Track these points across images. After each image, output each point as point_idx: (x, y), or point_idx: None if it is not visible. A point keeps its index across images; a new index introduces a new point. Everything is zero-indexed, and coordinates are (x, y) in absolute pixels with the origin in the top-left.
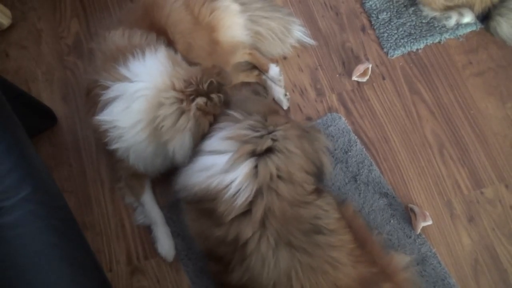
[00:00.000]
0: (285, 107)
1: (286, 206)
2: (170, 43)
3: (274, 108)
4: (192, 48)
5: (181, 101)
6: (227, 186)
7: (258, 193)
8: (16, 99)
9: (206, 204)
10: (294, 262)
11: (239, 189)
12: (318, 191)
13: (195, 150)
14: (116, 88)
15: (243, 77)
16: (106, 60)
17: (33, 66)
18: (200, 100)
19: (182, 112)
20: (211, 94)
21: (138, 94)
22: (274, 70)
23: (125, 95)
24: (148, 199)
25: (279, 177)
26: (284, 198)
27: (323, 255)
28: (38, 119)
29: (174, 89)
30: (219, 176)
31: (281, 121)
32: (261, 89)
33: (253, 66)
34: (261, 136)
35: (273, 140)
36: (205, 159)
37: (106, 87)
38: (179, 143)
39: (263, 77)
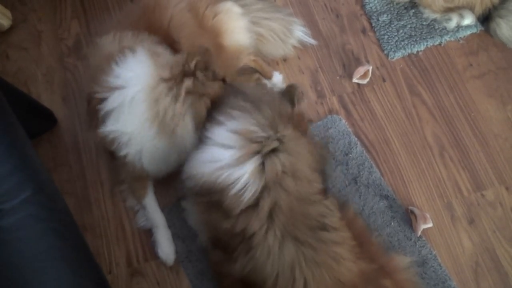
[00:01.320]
0: None
1: (293, 202)
2: (172, 45)
3: (289, 112)
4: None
5: (172, 88)
6: (235, 181)
7: (265, 189)
8: (16, 100)
9: (214, 196)
10: (299, 255)
11: (246, 185)
12: (325, 192)
13: (203, 136)
14: (112, 99)
15: (243, 81)
16: (97, 70)
17: (33, 67)
18: (188, 82)
19: (176, 99)
20: (197, 73)
21: (135, 98)
22: (277, 77)
23: (123, 103)
24: (150, 202)
25: (285, 173)
26: (291, 194)
27: (327, 250)
28: (38, 120)
29: (163, 80)
30: (227, 170)
31: (293, 125)
32: (295, 92)
33: (253, 70)
34: (268, 137)
35: (280, 141)
36: (214, 150)
37: (103, 100)
38: (185, 129)
39: (263, 81)
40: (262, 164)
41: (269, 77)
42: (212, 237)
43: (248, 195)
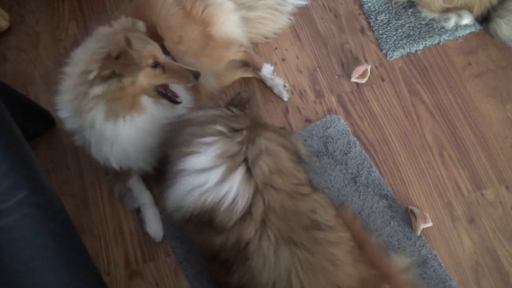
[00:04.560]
0: (285, 99)
1: (284, 200)
2: (158, 40)
3: (257, 118)
4: (182, 40)
5: (80, 84)
6: (224, 196)
7: (256, 194)
8: (14, 102)
9: (205, 217)
10: (294, 260)
11: (237, 196)
12: (312, 186)
13: (172, 173)
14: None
15: (240, 73)
16: None
17: (31, 69)
18: (96, 90)
19: (83, 95)
20: (110, 82)
21: (67, 85)
22: (267, 69)
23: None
24: (135, 182)
25: (272, 172)
26: (281, 192)
27: (323, 252)
28: (36, 122)
29: (80, 72)
30: (213, 190)
31: (261, 129)
32: (246, 96)
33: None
34: (248, 148)
35: (257, 146)
36: (195, 177)
37: None
38: (91, 120)
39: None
40: (248, 171)
41: (258, 69)
42: (210, 255)
43: (241, 206)
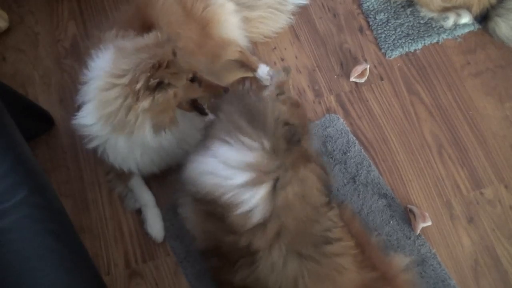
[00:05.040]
0: None
1: (300, 223)
2: None
3: (306, 150)
4: (180, 37)
5: (126, 96)
6: (242, 202)
7: (274, 213)
8: (13, 102)
9: (217, 209)
10: (302, 269)
11: (254, 208)
12: (328, 203)
13: (204, 144)
14: (80, 92)
15: (241, 73)
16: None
17: (30, 69)
18: (144, 104)
19: (129, 108)
20: (157, 93)
21: (90, 96)
22: (263, 69)
23: (85, 97)
24: (136, 182)
25: (295, 199)
26: (299, 218)
27: (330, 263)
28: (35, 122)
29: (116, 85)
30: (234, 190)
31: (306, 162)
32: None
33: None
34: (281, 166)
35: (293, 170)
36: (221, 166)
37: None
38: (142, 134)
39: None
40: (274, 189)
41: (254, 69)
42: (211, 245)
43: (256, 218)
